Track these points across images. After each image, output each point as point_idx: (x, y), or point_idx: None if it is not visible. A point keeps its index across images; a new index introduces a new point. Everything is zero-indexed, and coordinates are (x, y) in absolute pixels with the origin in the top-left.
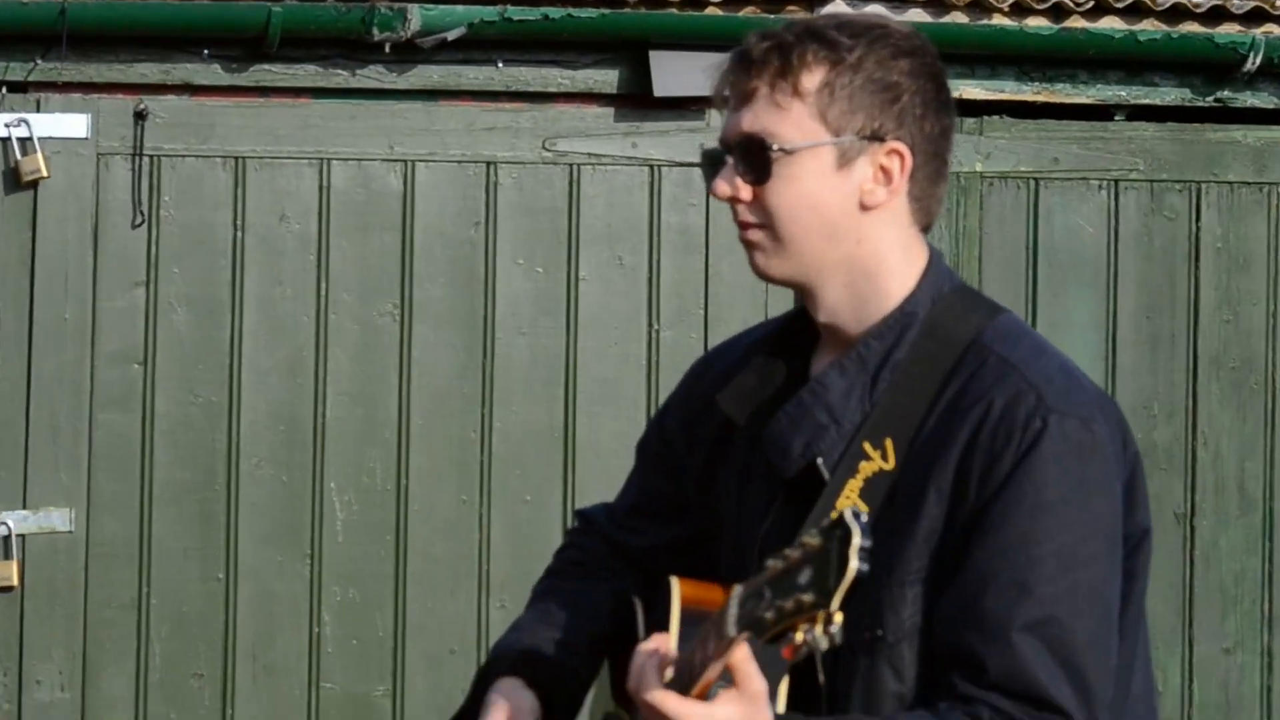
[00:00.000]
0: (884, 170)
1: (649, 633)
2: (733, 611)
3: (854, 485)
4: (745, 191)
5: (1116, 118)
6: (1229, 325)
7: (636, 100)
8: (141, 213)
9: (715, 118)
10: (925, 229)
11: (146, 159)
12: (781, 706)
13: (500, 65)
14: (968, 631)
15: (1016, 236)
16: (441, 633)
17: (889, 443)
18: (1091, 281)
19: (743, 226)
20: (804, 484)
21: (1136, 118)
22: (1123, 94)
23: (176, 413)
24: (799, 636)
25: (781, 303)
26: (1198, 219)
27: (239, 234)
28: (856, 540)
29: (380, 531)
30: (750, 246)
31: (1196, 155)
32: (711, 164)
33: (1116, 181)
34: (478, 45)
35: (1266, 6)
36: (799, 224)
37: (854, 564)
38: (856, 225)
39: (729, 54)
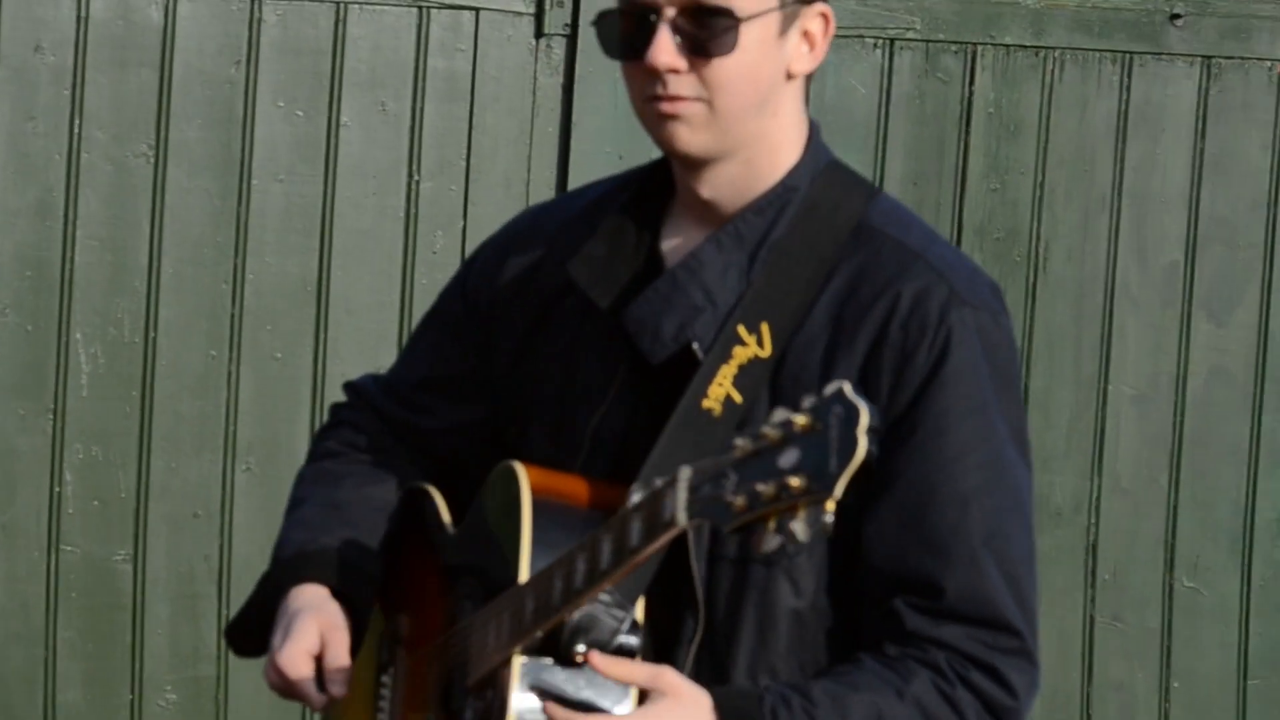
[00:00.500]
0: (807, 35)
1: (455, 528)
2: (679, 496)
3: (726, 371)
4: (682, 62)
5: None
6: (995, 194)
7: None
8: None
9: None
10: None
11: None
12: (640, 617)
13: None
14: (915, 552)
15: None
16: (185, 495)
17: (765, 328)
18: (861, 145)
19: (670, 99)
20: (664, 369)
21: None
22: None
23: None
24: (771, 525)
25: (546, 156)
26: (971, 82)
27: None
28: (865, 419)
29: (127, 386)
30: (672, 119)
31: (975, 15)
32: (627, 28)
33: (892, 40)
34: None
35: None
36: (738, 97)
37: (863, 445)
38: (778, 96)
39: None
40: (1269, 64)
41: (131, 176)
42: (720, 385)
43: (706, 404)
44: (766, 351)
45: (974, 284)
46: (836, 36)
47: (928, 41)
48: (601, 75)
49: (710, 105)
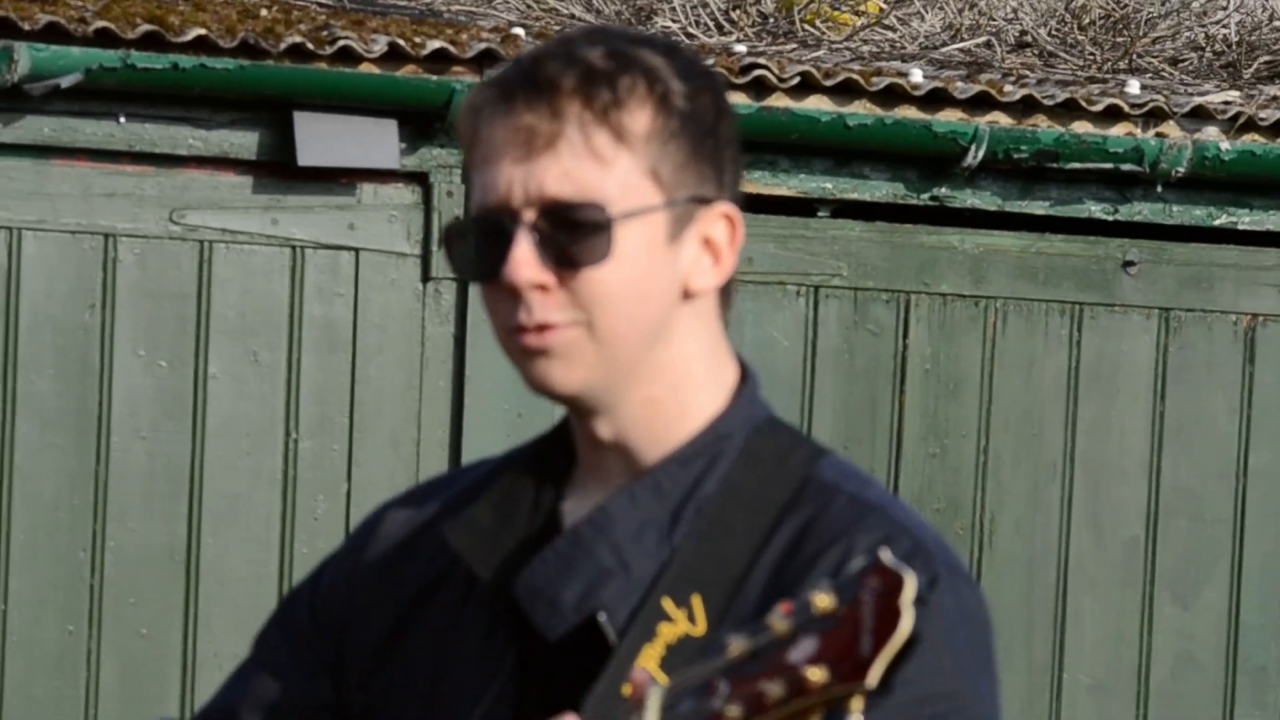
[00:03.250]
0: (709, 243)
1: None
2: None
3: (651, 652)
4: (548, 276)
5: (820, 214)
6: (935, 459)
7: (278, 169)
8: None
9: (369, 193)
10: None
11: None
12: None
13: (122, 120)
14: None
15: None
16: None
17: (697, 600)
18: (785, 404)
19: (539, 330)
20: (566, 651)
21: (842, 215)
22: (828, 186)
23: None
24: None
25: (437, 413)
26: (905, 335)
27: None
28: (910, 589)
29: None
30: (541, 354)
31: (907, 261)
32: (483, 240)
33: (817, 288)
34: (96, 95)
35: (993, 91)
36: (623, 319)
37: (908, 619)
38: (673, 319)
39: (493, 80)
40: (1234, 318)
41: None
42: (644, 668)
43: (626, 691)
44: (700, 628)
45: (943, 545)
46: (755, 283)
47: (856, 289)
48: None
49: (589, 328)
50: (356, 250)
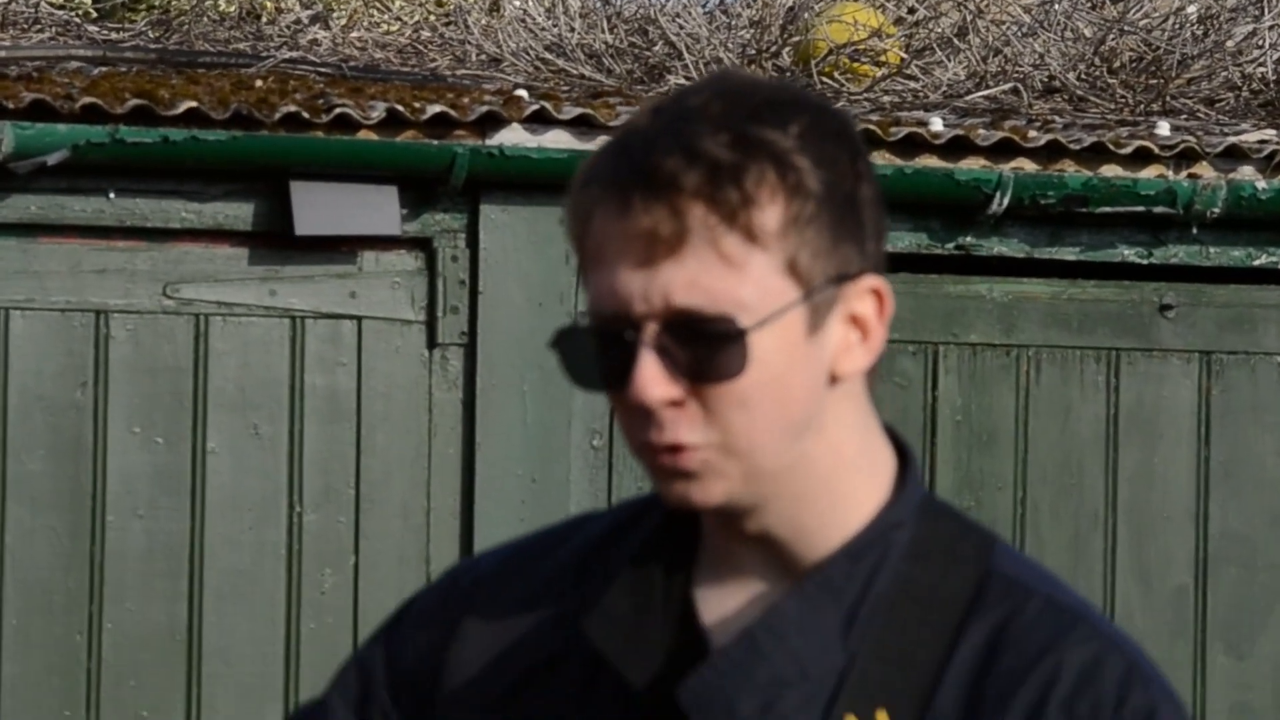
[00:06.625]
0: (857, 320)
1: None
2: None
3: None
4: (678, 391)
5: None
6: (971, 513)
7: (275, 240)
8: None
9: (370, 260)
10: None
11: None
12: None
13: (112, 196)
14: None
15: None
16: None
17: (883, 716)
18: None
19: (673, 450)
20: None
21: None
22: None
23: None
24: None
25: (448, 481)
26: (934, 386)
27: None
28: None
29: None
30: (682, 475)
31: (933, 311)
32: (602, 349)
33: None
34: (85, 172)
35: (1016, 139)
36: (764, 428)
37: None
38: (822, 409)
39: (599, 173)
40: (1278, 359)
41: None
42: None
43: None
44: None
45: (1150, 661)
46: None
47: None
48: (507, 387)
49: (726, 444)
50: (359, 319)
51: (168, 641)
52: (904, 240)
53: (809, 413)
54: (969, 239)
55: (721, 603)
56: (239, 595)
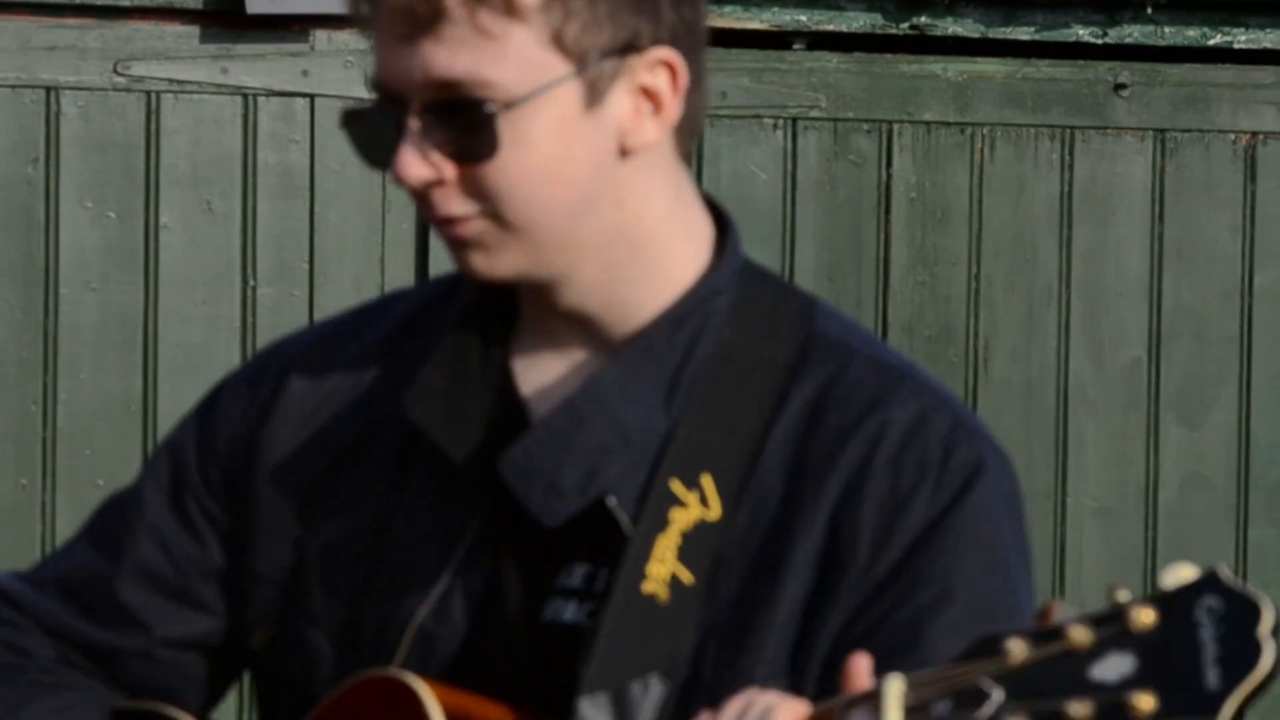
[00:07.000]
0: (647, 92)
1: None
2: None
3: (665, 543)
4: (449, 170)
5: (795, 46)
6: (924, 288)
7: (226, 18)
8: None
9: (323, 39)
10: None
11: None
12: None
13: None
14: None
15: None
16: None
17: (708, 480)
18: (766, 236)
19: (447, 222)
20: (552, 534)
21: (818, 47)
22: (802, 19)
23: None
24: None
25: (402, 254)
26: (889, 165)
27: None
28: (1269, 617)
29: None
30: (463, 245)
31: (888, 91)
32: (376, 128)
33: (794, 120)
34: None
35: None
36: (538, 204)
37: (1269, 655)
38: (615, 182)
39: None
40: (1232, 137)
41: None
42: (661, 562)
43: (648, 588)
44: (715, 512)
45: (974, 415)
46: (730, 118)
47: (835, 120)
48: None
49: (501, 220)
50: (311, 96)
51: (122, 412)
52: (859, 20)
53: (596, 188)
54: (923, 19)
55: (541, 374)
56: (193, 367)
